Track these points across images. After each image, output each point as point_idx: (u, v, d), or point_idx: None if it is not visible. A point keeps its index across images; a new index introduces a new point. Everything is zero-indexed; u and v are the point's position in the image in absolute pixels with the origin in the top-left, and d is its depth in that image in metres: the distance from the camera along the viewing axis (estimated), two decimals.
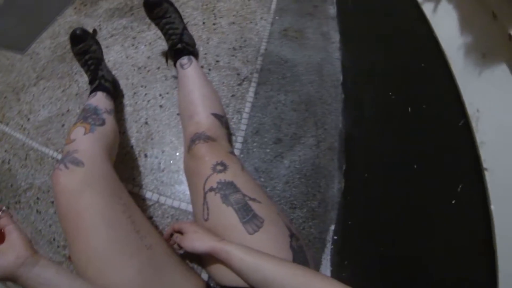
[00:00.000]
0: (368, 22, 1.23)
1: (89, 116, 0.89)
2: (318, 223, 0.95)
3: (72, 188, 0.66)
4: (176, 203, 0.99)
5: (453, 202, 0.54)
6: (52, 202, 1.06)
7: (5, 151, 1.25)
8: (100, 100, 1.00)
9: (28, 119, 1.32)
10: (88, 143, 0.79)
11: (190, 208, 0.97)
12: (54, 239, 0.99)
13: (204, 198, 0.70)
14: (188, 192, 0.97)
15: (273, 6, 1.58)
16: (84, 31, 1.12)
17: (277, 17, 1.52)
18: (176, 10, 1.20)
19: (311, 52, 1.37)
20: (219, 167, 0.73)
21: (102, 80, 1.12)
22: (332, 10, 1.58)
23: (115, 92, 1.19)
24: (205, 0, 1.65)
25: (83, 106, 0.97)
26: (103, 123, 0.88)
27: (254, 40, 1.41)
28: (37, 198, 1.09)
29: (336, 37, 1.44)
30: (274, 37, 1.43)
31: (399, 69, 0.90)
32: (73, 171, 0.68)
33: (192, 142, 0.81)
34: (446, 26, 0.67)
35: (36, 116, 1.32)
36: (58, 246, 0.97)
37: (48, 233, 1.00)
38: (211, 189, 0.69)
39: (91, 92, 1.07)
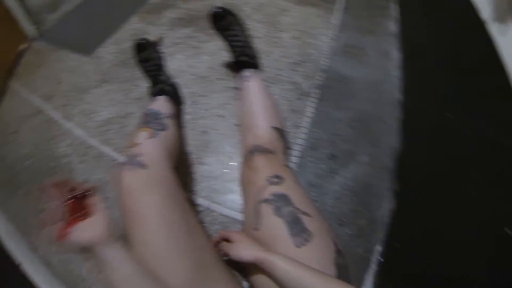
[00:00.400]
0: (430, 41, 1.19)
1: (151, 120, 0.92)
2: (364, 242, 0.93)
3: (135, 187, 0.70)
4: (226, 211, 1.00)
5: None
6: (106, 198, 1.10)
7: (66, 146, 1.31)
8: (162, 105, 1.03)
9: (90, 118, 1.38)
10: (151, 148, 0.82)
11: (239, 217, 0.97)
12: None
13: (257, 208, 0.72)
14: (238, 202, 0.99)
15: (334, 21, 1.57)
16: (147, 41, 1.18)
17: (338, 33, 1.51)
18: (240, 23, 1.22)
19: (370, 69, 1.35)
20: (274, 180, 0.74)
21: (163, 85, 1.16)
22: (393, 27, 1.54)
23: (176, 97, 1.22)
24: (268, 14, 1.68)
25: (145, 110, 1.00)
26: (165, 128, 0.91)
27: (315, 55, 1.41)
28: None
29: (396, 55, 1.41)
30: (335, 53, 1.42)
31: (460, 90, 0.87)
32: (137, 173, 0.72)
33: (250, 153, 0.83)
34: None
35: (97, 116, 1.38)
36: None
37: None
38: (265, 200, 0.71)
39: (152, 96, 1.11)
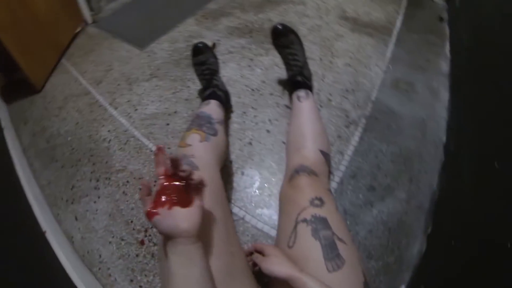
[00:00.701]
0: (481, 87, 1.19)
1: (203, 124, 0.95)
2: (390, 280, 0.92)
3: None
4: (260, 225, 1.01)
5: None
6: (140, 189, 1.14)
7: (108, 131, 1.36)
8: (214, 109, 1.06)
9: (136, 110, 1.43)
10: (203, 151, 0.85)
11: (271, 232, 0.98)
12: (131, 221, 1.05)
13: (295, 227, 0.72)
14: (274, 217, 1.00)
15: (388, 54, 1.59)
16: (205, 45, 1.21)
17: (390, 66, 1.52)
18: (300, 43, 1.24)
19: (418, 106, 1.35)
20: (316, 202, 0.75)
21: (216, 89, 1.19)
22: (445, 67, 1.55)
23: (227, 104, 1.25)
24: (324, 37, 1.71)
25: (197, 112, 1.03)
26: (216, 133, 0.94)
27: (367, 85, 1.42)
28: (127, 181, 1.17)
29: (445, 95, 1.41)
30: (385, 86, 1.43)
31: (509, 139, 0.87)
32: None
33: (295, 172, 0.84)
34: None
35: (143, 109, 1.43)
36: (133, 229, 1.04)
37: (128, 215, 1.07)
38: (304, 220, 0.72)
39: (204, 99, 1.14)
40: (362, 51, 1.61)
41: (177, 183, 0.59)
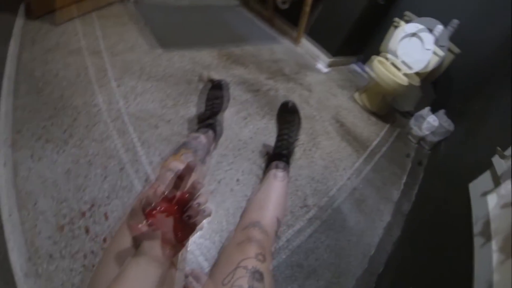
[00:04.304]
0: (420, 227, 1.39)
1: (199, 149, 1.08)
2: None
3: None
4: (197, 252, 1.09)
5: None
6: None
7: (103, 100, 1.45)
8: (209, 140, 1.21)
9: (135, 99, 1.53)
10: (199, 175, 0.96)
11: (204, 264, 1.06)
12: (83, 190, 1.09)
13: (235, 269, 0.81)
14: (212, 252, 1.10)
15: (357, 165, 1.85)
16: (226, 84, 1.39)
17: (354, 175, 1.77)
18: (299, 126, 1.43)
19: (363, 217, 1.56)
20: (260, 257, 0.85)
21: (217, 123, 1.34)
22: (396, 194, 1.81)
23: (217, 138, 1.41)
24: (314, 127, 1.96)
25: (195, 136, 1.16)
26: (204, 162, 1.07)
27: (330, 182, 1.64)
28: (97, 153, 1.23)
29: (387, 217, 1.64)
30: (344, 189, 1.65)
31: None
32: None
33: (252, 224, 0.96)
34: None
35: (142, 101, 1.54)
36: (81, 198, 1.07)
37: (83, 183, 1.11)
38: (245, 267, 0.81)
39: (204, 126, 1.28)
40: (338, 153, 1.87)
41: (180, 196, 0.56)
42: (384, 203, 1.71)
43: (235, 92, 1.89)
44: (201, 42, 2.22)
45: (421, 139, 2.41)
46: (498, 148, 1.12)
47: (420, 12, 2.57)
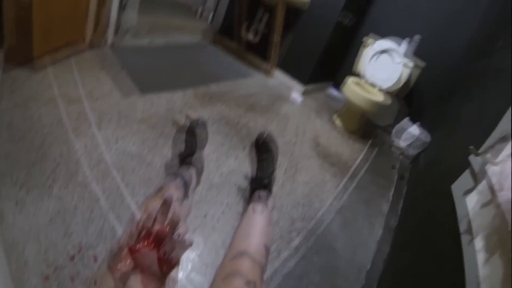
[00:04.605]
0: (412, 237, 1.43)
1: (181, 186, 1.10)
2: None
3: None
4: (189, 287, 1.10)
5: None
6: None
7: (85, 145, 1.46)
8: (192, 176, 1.23)
9: (117, 142, 1.56)
10: (177, 209, 0.97)
11: None
12: (70, 234, 1.09)
13: None
14: (204, 286, 1.11)
15: (342, 184, 1.90)
16: (204, 123, 1.43)
17: (340, 195, 1.81)
18: (276, 154, 1.48)
19: (354, 233, 1.59)
20: (251, 285, 0.86)
21: (198, 160, 1.37)
22: (385, 207, 1.85)
23: (199, 176, 1.43)
24: (294, 153, 2.02)
25: (177, 172, 1.18)
26: (187, 198, 1.09)
27: (316, 205, 1.68)
28: (83, 198, 1.22)
29: (379, 231, 1.66)
30: (331, 209, 1.68)
31: None
32: None
33: (240, 254, 0.97)
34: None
35: (124, 144, 1.56)
36: (68, 242, 1.06)
37: (70, 227, 1.10)
38: None
39: (185, 164, 1.31)
40: (321, 175, 1.92)
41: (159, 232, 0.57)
42: (375, 217, 1.75)
43: (214, 128, 1.95)
44: (177, 83, 2.30)
45: (401, 153, 2.51)
46: (471, 147, 1.15)
47: (384, 33, 2.77)
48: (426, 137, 2.35)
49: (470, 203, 1.04)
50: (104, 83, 1.97)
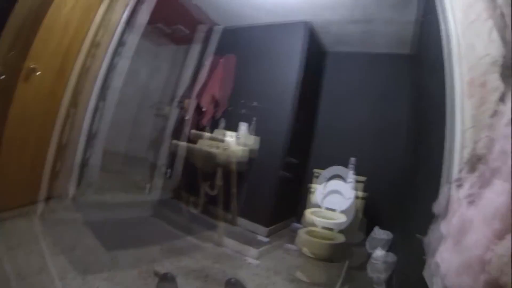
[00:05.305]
0: None
1: None
2: None
3: None
4: None
5: None
6: None
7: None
8: None
9: None
10: None
11: None
12: None
13: None
14: None
15: None
16: (172, 277, 1.42)
17: None
18: None
19: None
20: None
21: None
22: None
23: None
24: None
25: None
26: None
27: None
28: None
29: None
30: None
31: None
32: None
33: None
34: None
35: None
36: None
37: None
38: None
39: None
40: None
41: None
42: None
43: (183, 282, 1.83)
44: (143, 242, 2.28)
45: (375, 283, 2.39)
46: (417, 235, 1.21)
47: (325, 165, 3.07)
48: (392, 258, 2.28)
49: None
50: (68, 235, 1.96)
